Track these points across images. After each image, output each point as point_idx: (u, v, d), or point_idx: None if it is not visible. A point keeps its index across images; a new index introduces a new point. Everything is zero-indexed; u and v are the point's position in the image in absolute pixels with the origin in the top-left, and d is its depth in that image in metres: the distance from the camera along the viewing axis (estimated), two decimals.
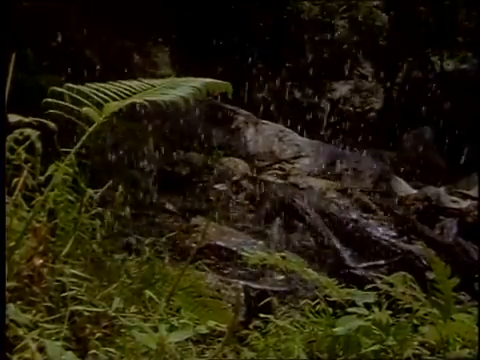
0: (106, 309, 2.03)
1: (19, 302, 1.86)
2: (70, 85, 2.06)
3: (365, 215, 7.23)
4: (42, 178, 2.14)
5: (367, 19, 11.09)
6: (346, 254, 6.52)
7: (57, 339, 1.80)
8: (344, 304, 2.44)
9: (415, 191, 8.16)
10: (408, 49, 11.13)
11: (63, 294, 1.96)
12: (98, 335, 1.96)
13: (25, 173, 2.07)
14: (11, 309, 1.75)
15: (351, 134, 9.64)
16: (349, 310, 2.35)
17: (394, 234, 6.88)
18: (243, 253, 5.71)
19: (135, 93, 2.12)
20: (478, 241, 6.40)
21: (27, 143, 2.09)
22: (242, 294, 5.03)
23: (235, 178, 7.44)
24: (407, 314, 2.37)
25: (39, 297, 1.92)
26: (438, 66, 11.11)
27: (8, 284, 1.83)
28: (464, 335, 2.24)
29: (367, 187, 8.02)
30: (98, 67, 7.18)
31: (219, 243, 6.08)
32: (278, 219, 6.89)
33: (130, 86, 2.13)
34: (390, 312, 2.33)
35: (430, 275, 2.37)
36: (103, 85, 2.11)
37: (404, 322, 2.32)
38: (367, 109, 11.42)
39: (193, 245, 5.91)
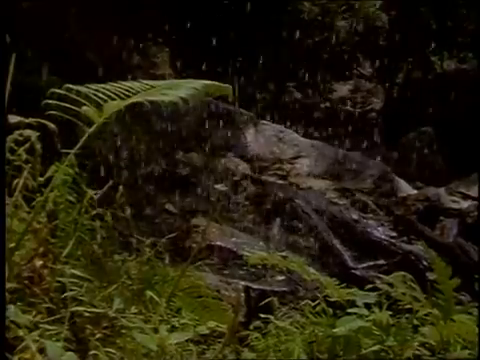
0: (106, 310, 2.03)
1: (19, 303, 1.86)
2: (70, 86, 2.05)
3: (365, 215, 7.23)
4: (42, 179, 2.14)
5: (367, 19, 11.09)
6: (346, 254, 6.52)
7: (57, 340, 1.80)
8: (344, 304, 2.43)
9: (415, 191, 8.16)
10: (408, 49, 11.12)
11: (63, 295, 1.96)
12: (98, 336, 1.96)
13: (25, 174, 2.07)
14: (11, 310, 1.75)
15: (351, 134, 9.63)
16: (349, 310, 2.35)
17: (394, 234, 6.88)
18: (243, 253, 5.72)
19: (135, 94, 2.12)
20: (478, 241, 6.40)
21: (27, 144, 2.09)
22: (242, 295, 5.04)
23: (235, 178, 7.44)
24: (407, 314, 2.37)
25: (39, 298, 1.92)
26: (438, 66, 11.11)
27: (8, 285, 1.83)
28: (464, 336, 2.24)
29: (367, 187, 8.02)
30: (98, 67, 7.18)
31: (219, 243, 6.08)
32: (278, 219, 6.89)
33: (130, 87, 2.13)
34: (390, 312, 2.33)
35: (430, 276, 2.37)
36: (103, 86, 2.11)
37: (404, 323, 2.32)
38: (367, 109, 11.42)
39: (193, 246, 5.91)
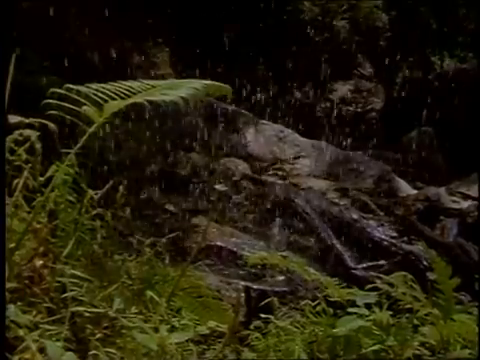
0: (107, 310, 2.02)
1: (20, 303, 1.86)
2: (70, 86, 2.06)
3: (365, 215, 7.23)
4: (42, 179, 2.14)
5: (367, 19, 11.09)
6: (346, 254, 6.52)
7: (58, 340, 1.79)
8: (345, 304, 2.44)
9: (415, 191, 8.16)
10: (408, 49, 11.13)
11: (64, 295, 1.96)
12: (99, 336, 1.95)
13: (25, 174, 2.07)
14: (12, 310, 1.75)
15: (351, 134, 9.63)
16: (350, 310, 2.35)
17: (394, 234, 6.88)
18: (243, 253, 5.72)
19: (135, 93, 2.12)
20: (478, 241, 6.40)
21: (27, 144, 2.09)
22: (242, 295, 5.03)
23: (235, 178, 7.44)
24: (408, 314, 2.37)
25: (39, 298, 1.92)
26: (438, 66, 11.11)
27: (9, 285, 1.83)
28: (464, 335, 2.25)
29: (368, 187, 8.02)
30: (98, 67, 7.18)
31: (219, 243, 6.09)
32: (278, 219, 6.89)
33: (130, 86, 2.13)
34: (391, 312, 2.33)
35: (431, 275, 2.37)
36: (103, 85, 2.11)
37: (405, 322, 2.32)
38: (367, 109, 11.41)
39: (193, 246, 5.91)
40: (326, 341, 2.34)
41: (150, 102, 2.08)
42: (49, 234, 2.07)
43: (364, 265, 6.37)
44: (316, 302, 2.60)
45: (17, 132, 2.09)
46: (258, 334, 2.65)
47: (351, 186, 7.89)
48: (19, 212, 2.09)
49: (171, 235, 4.50)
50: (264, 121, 8.57)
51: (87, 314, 1.98)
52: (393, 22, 11.14)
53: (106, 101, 2.07)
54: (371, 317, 2.28)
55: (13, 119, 2.10)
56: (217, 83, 2.28)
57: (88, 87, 2.09)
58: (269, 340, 2.57)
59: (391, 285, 2.45)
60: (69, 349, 1.77)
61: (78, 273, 2.07)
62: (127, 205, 2.79)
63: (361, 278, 5.92)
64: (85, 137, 2.03)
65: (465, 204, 7.68)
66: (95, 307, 2.02)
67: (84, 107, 2.04)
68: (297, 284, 5.45)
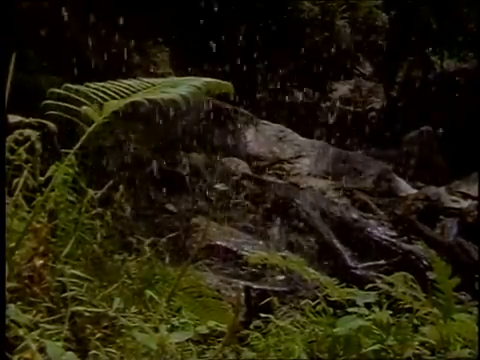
0: (106, 309, 2.02)
1: (19, 302, 1.86)
2: (69, 85, 2.05)
3: (365, 215, 7.23)
4: (42, 178, 2.14)
5: (367, 19, 11.10)
6: (346, 254, 6.52)
7: (57, 339, 1.79)
8: (345, 304, 2.44)
9: (415, 191, 8.16)
10: (408, 49, 11.13)
11: (63, 294, 1.96)
12: (99, 335, 1.95)
13: (25, 173, 2.07)
14: (12, 309, 1.75)
15: (351, 134, 9.64)
16: (349, 310, 2.35)
17: (394, 234, 6.88)
18: (244, 253, 5.73)
19: (135, 92, 2.11)
20: (478, 241, 6.40)
21: (27, 144, 2.09)
22: (242, 294, 5.04)
23: (235, 178, 7.44)
24: (407, 314, 2.37)
25: (39, 297, 1.92)
26: (438, 66, 11.12)
27: (9, 284, 1.83)
28: (465, 335, 2.25)
29: (368, 187, 8.02)
30: (98, 67, 7.17)
31: (219, 243, 6.08)
32: (278, 219, 6.89)
33: (130, 85, 2.13)
34: (390, 312, 2.33)
35: (430, 275, 2.37)
36: (102, 84, 2.10)
37: (404, 322, 2.32)
38: (367, 109, 11.42)
39: (193, 245, 5.91)
40: (326, 341, 2.34)
41: (150, 101, 2.08)
42: (49, 234, 2.07)
43: (364, 265, 6.37)
44: (316, 302, 2.60)
45: (17, 132, 2.08)
46: (258, 334, 2.65)
47: (351, 186, 7.89)
48: (19, 212, 2.09)
49: (171, 235, 4.50)
50: (264, 121, 8.57)
51: (87, 314, 1.98)
52: (393, 22, 11.14)
53: (106, 100, 2.07)
54: (371, 317, 2.28)
55: (13, 119, 2.10)
56: (218, 80, 2.27)
57: (88, 86, 2.09)
58: (269, 340, 2.57)
59: (391, 285, 2.45)
60: (69, 349, 1.77)
61: (78, 273, 2.07)
62: (127, 205, 2.79)
63: (361, 278, 5.93)
64: (84, 136, 2.03)
65: (465, 204, 7.67)
66: (95, 307, 2.02)
67: (84, 107, 2.04)
68: (297, 284, 5.45)
